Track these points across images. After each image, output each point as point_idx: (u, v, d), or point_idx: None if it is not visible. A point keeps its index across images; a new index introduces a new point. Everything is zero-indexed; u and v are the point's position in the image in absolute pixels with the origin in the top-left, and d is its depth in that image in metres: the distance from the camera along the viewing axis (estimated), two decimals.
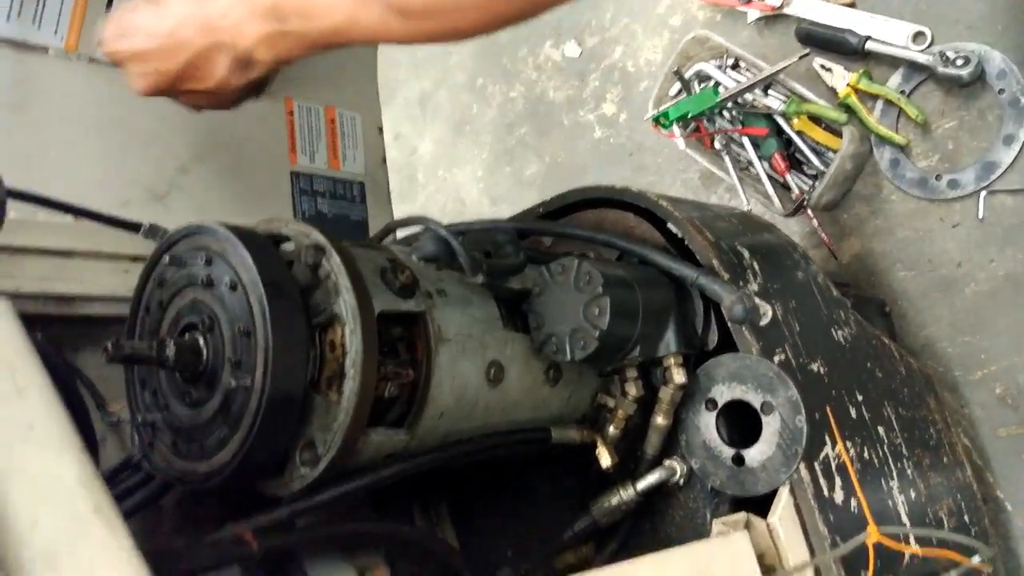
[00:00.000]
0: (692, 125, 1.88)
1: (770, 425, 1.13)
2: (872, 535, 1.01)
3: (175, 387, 1.02)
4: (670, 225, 1.27)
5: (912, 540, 1.14)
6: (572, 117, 2.23)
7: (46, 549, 0.63)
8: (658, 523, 1.25)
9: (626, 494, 1.18)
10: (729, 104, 1.83)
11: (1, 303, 0.73)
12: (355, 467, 1.03)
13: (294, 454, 1.00)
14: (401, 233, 1.34)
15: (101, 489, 0.68)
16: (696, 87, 1.88)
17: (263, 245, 1.01)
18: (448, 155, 2.41)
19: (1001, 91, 1.64)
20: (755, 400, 1.15)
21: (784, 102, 1.79)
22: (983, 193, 1.65)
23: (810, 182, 1.79)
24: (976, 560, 1.24)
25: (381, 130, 1.75)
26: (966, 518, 1.43)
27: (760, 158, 1.81)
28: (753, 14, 1.89)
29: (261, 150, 1.44)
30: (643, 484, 1.18)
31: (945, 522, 1.37)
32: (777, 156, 1.77)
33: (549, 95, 2.29)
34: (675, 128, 1.86)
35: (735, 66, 1.87)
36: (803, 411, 1.11)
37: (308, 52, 0.93)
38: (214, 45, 0.95)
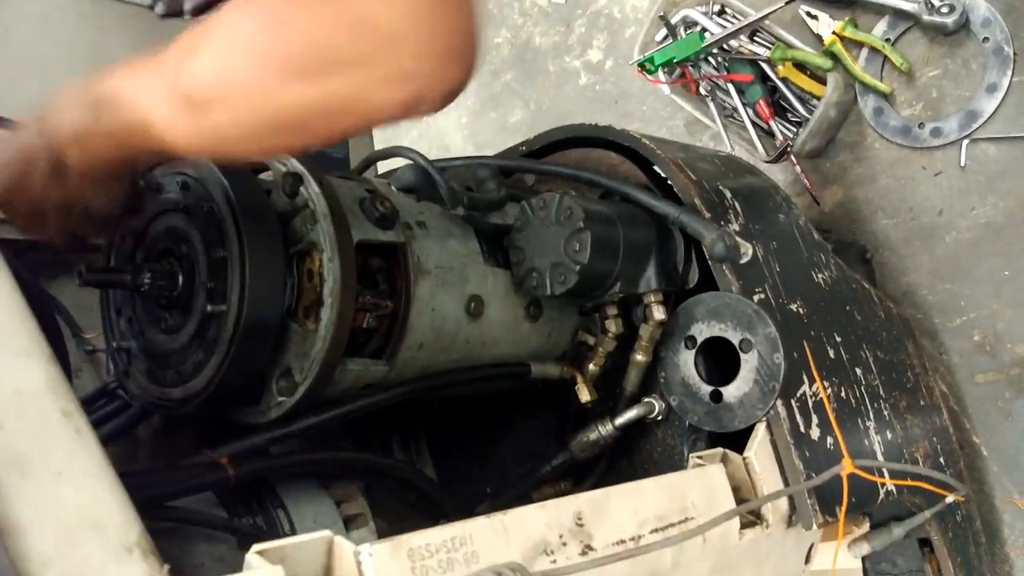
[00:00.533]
0: (677, 71, 1.87)
1: (748, 362, 1.13)
2: (846, 467, 1.01)
3: (151, 313, 1.01)
4: (656, 167, 1.26)
5: (887, 475, 1.15)
6: (558, 63, 2.21)
7: (14, 453, 0.62)
8: (636, 459, 1.26)
9: (604, 429, 1.19)
10: (715, 50, 1.81)
11: None
12: (333, 397, 1.03)
13: (271, 382, 1.00)
14: (382, 168, 1.33)
15: (68, 394, 0.67)
16: (682, 33, 1.87)
17: (240, 171, 1.00)
18: None
19: (985, 39, 1.63)
20: (734, 337, 1.15)
21: (770, 49, 1.77)
22: (965, 142, 1.65)
23: (794, 129, 1.78)
24: (950, 499, 1.26)
25: None
26: (942, 460, 1.44)
27: (745, 104, 1.80)
28: None
29: None
30: (621, 420, 1.19)
31: (921, 464, 1.39)
32: (762, 103, 1.77)
33: (535, 41, 2.26)
34: (660, 74, 1.85)
35: (721, 12, 1.85)
36: (781, 348, 1.11)
37: (115, 159, 0.85)
38: (41, 146, 0.85)
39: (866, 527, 1.31)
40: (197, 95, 0.75)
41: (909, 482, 1.20)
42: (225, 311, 0.94)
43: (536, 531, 0.84)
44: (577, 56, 2.18)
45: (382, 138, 2.06)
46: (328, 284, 0.97)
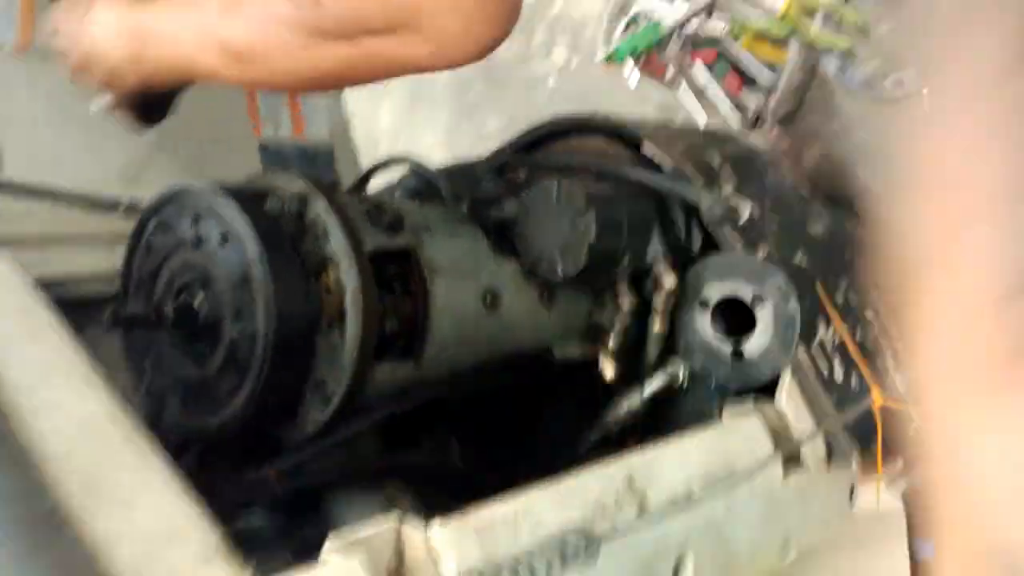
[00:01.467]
0: (644, 59, 1.91)
1: (764, 315, 1.16)
2: (876, 400, 1.03)
3: (178, 347, 1.03)
4: (644, 149, 1.28)
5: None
6: (524, 70, 2.25)
7: (85, 477, 0.63)
8: (669, 430, 1.27)
9: (633, 402, 1.21)
10: (676, 34, 1.85)
11: (2, 254, 0.73)
12: (366, 404, 1.04)
13: (305, 396, 1.01)
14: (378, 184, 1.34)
15: (128, 420, 0.68)
16: (641, 23, 1.91)
17: (248, 195, 1.02)
18: (408, 122, 2.41)
19: None
20: (746, 293, 1.17)
21: (729, 24, 1.81)
22: (926, 90, 1.69)
23: (765, 97, 1.82)
24: None
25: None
26: None
27: (714, 80, 1.84)
28: None
29: (226, 126, 1.43)
30: (649, 389, 1.21)
31: None
32: (730, 76, 1.81)
33: (498, 54, 2.29)
34: (628, 63, 1.89)
35: None
36: (794, 295, 1.14)
37: (168, 80, 0.97)
38: (87, 55, 0.99)
39: (900, 465, 1.32)
40: (236, 49, 0.83)
41: None
42: (254, 332, 0.95)
43: (592, 495, 0.85)
44: (542, 61, 2.22)
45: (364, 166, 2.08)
46: (349, 292, 0.98)
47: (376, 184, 1.35)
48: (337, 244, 1.00)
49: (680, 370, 1.21)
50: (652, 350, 1.22)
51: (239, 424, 0.98)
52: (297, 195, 1.02)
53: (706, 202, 1.18)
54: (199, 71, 0.89)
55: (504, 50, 2.25)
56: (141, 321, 0.99)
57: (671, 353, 1.24)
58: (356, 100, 2.53)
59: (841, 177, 1.77)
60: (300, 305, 0.98)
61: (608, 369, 1.22)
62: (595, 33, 2.05)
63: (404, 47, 0.77)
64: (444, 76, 2.36)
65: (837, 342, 1.20)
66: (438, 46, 0.76)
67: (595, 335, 1.29)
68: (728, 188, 1.26)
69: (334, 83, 0.88)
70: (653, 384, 1.21)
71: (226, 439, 1.00)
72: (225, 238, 0.98)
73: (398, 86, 2.50)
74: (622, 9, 1.91)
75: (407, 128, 2.45)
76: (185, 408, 1.03)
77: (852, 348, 1.15)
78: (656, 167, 1.27)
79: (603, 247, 1.14)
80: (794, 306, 1.14)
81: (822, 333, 1.19)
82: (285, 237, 1.00)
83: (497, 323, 1.15)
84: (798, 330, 1.13)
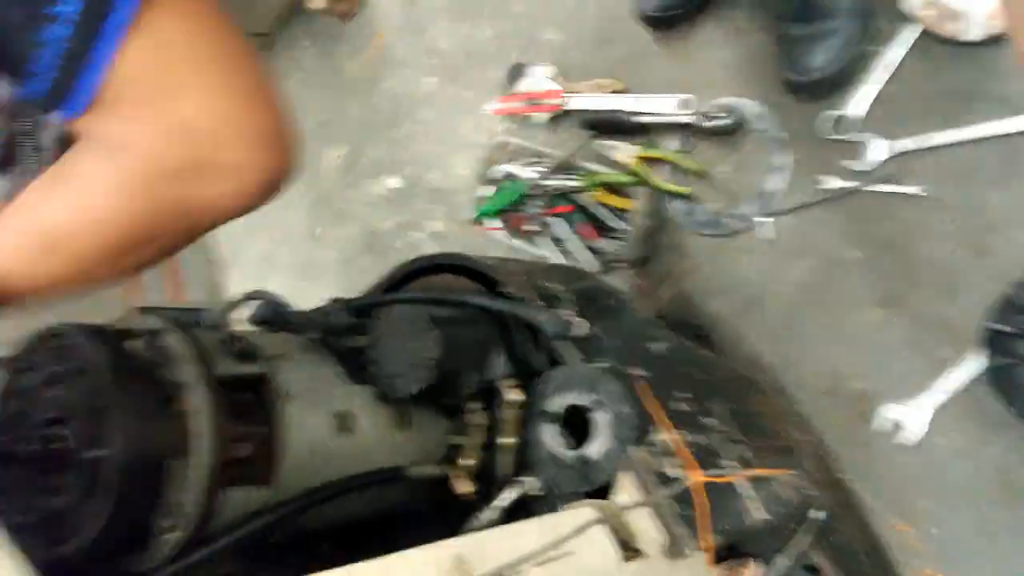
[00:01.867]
0: (509, 218, 2.08)
1: (602, 420, 1.25)
2: (694, 477, 1.11)
3: (33, 484, 1.06)
4: (500, 288, 1.40)
5: (745, 484, 1.25)
6: (405, 240, 2.41)
7: None
8: None
9: (486, 515, 1.26)
10: (536, 192, 2.04)
11: None
12: (219, 529, 1.08)
13: (158, 523, 1.04)
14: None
15: None
16: (505, 184, 2.09)
17: (105, 331, 1.09)
18: (294, 296, 2.52)
19: (763, 131, 1.90)
20: (585, 400, 1.26)
21: (581, 180, 2.01)
22: (768, 219, 1.88)
23: (620, 243, 1.99)
24: (812, 513, 1.36)
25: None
26: (812, 493, 1.55)
27: (572, 231, 2.01)
28: (541, 116, 2.14)
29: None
30: (501, 502, 1.26)
31: (793, 500, 1.49)
32: (587, 225, 1.98)
33: (382, 226, 2.46)
34: (496, 222, 2.05)
35: (536, 161, 2.10)
36: (627, 398, 1.23)
37: None
38: None
39: (752, 566, 1.38)
40: (55, 234, 0.84)
41: (761, 472, 1.30)
42: (109, 455, 1.00)
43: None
44: (421, 229, 2.39)
45: None
46: (199, 417, 1.05)
47: None
48: (188, 372, 1.07)
49: (532, 482, 1.28)
50: (504, 463, 1.29)
51: (95, 549, 1.00)
52: (152, 328, 1.10)
53: (544, 318, 1.29)
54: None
55: (386, 221, 2.43)
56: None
57: (526, 469, 1.31)
58: (242, 281, 2.65)
59: (692, 308, 1.91)
60: (152, 427, 1.03)
61: (460, 484, 1.28)
62: (467, 199, 2.24)
63: (208, 188, 0.79)
64: (330, 253, 2.50)
65: (675, 443, 1.28)
66: (237, 182, 0.79)
67: (455, 457, 1.35)
68: (568, 311, 1.38)
69: (145, 248, 0.86)
70: (506, 496, 1.26)
71: (75, 572, 1.02)
72: (82, 371, 1.05)
73: (285, 264, 2.64)
74: (487, 173, 2.10)
75: (296, 302, 2.55)
76: (40, 541, 1.05)
77: (686, 452, 1.24)
78: (502, 296, 1.39)
79: (449, 364, 1.23)
80: (627, 408, 1.23)
81: (659, 435, 1.28)
82: (139, 366, 1.07)
83: (352, 446, 1.22)
84: (633, 431, 1.22)
